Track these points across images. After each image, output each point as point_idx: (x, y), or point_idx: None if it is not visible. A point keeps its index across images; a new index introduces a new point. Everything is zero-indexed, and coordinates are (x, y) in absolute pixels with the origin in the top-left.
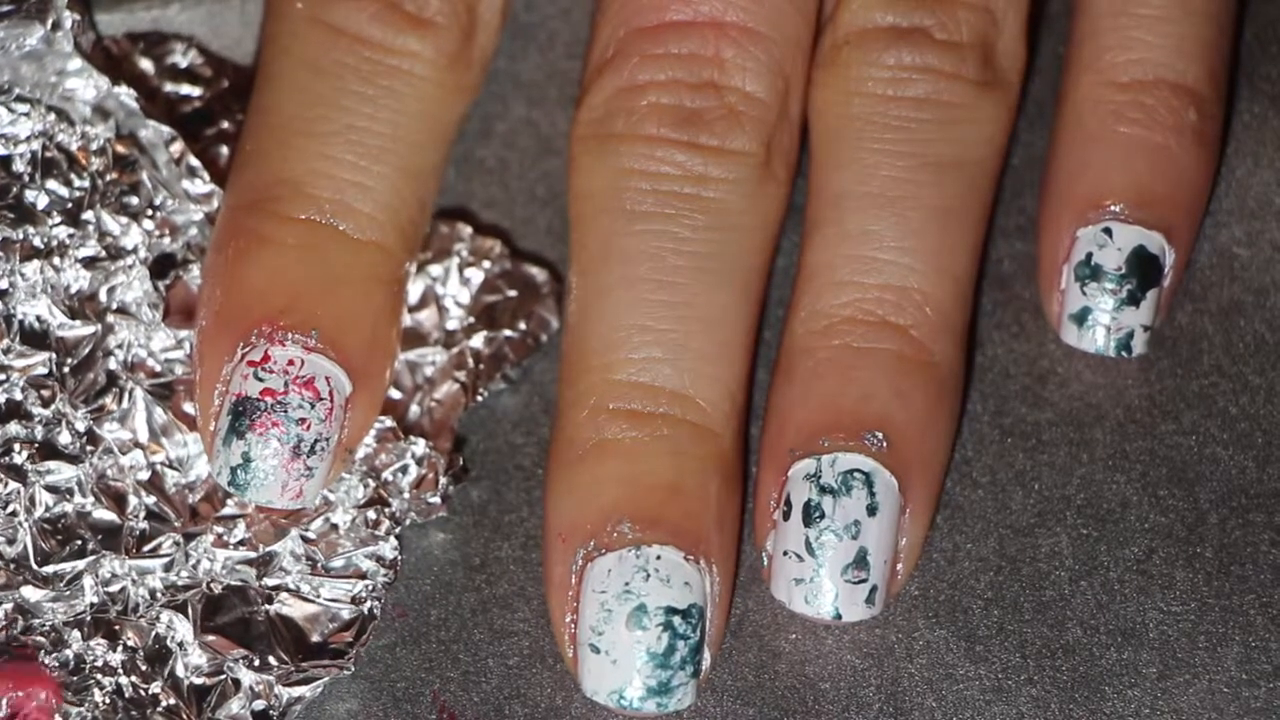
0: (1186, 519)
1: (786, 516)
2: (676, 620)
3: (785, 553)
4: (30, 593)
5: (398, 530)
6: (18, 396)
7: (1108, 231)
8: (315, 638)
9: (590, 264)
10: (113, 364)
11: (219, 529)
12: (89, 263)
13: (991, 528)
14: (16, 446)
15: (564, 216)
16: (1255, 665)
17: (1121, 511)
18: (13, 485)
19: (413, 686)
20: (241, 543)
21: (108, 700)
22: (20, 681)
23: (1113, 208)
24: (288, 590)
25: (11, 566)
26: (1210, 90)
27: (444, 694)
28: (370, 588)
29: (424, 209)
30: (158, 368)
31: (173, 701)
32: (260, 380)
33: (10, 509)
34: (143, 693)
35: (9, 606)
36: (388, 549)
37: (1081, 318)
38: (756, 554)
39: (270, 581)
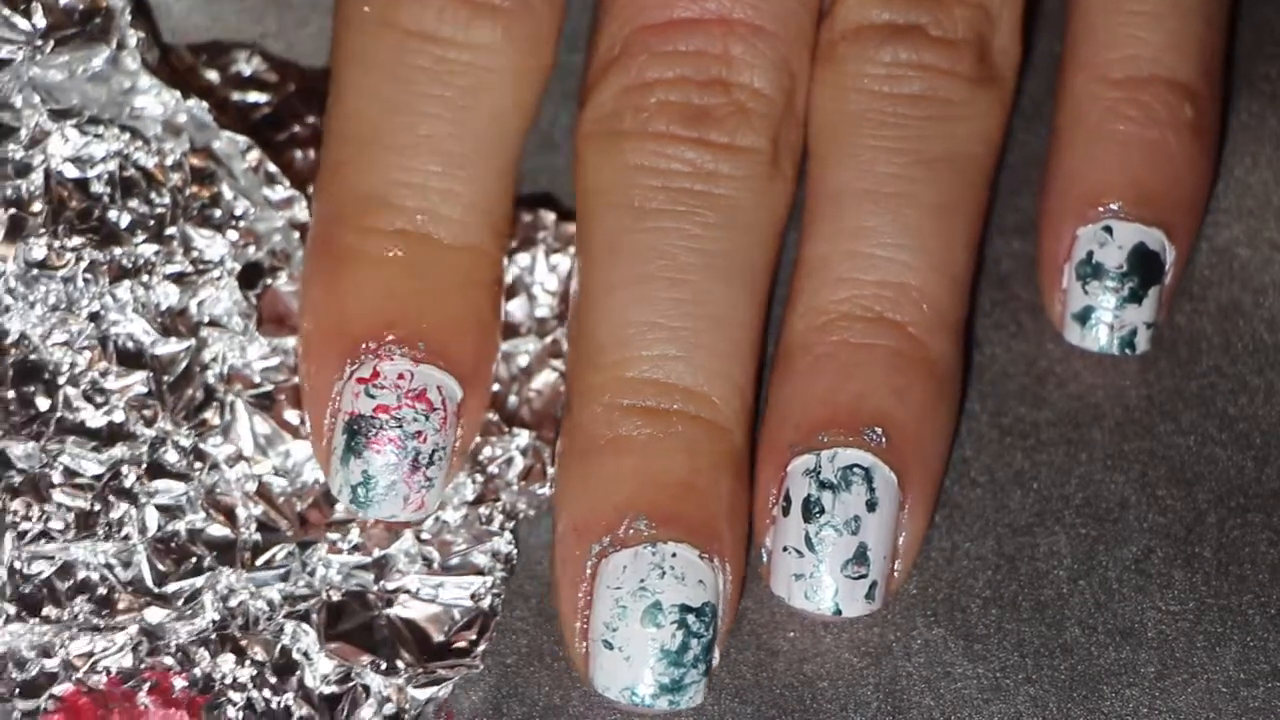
0: (1185, 519)
1: (786, 512)
2: (691, 618)
3: (785, 548)
4: (152, 614)
5: (512, 525)
6: (119, 418)
7: (1108, 230)
8: (439, 638)
9: (599, 260)
10: (210, 378)
11: (332, 535)
12: (177, 278)
13: (990, 527)
14: (124, 469)
15: (563, 212)
16: (1253, 665)
17: (1120, 511)
18: (124, 508)
19: None
20: (356, 548)
21: (241, 716)
22: (155, 707)
23: (1112, 206)
24: (406, 592)
25: (130, 589)
26: (1205, 86)
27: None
28: (488, 584)
29: (511, 202)
30: (256, 378)
31: (305, 712)
32: (372, 397)
33: (124, 532)
34: (275, 706)
35: (134, 630)
36: (503, 544)
37: (1084, 316)
38: (755, 551)
39: (388, 585)
